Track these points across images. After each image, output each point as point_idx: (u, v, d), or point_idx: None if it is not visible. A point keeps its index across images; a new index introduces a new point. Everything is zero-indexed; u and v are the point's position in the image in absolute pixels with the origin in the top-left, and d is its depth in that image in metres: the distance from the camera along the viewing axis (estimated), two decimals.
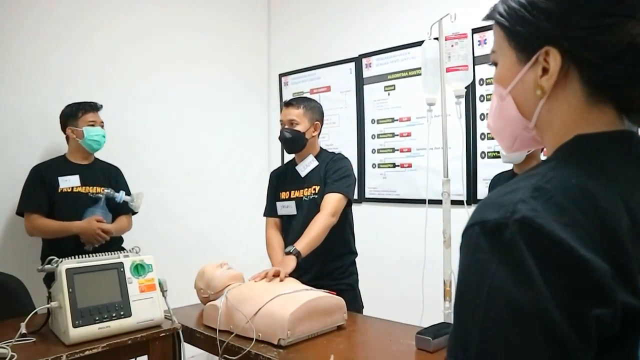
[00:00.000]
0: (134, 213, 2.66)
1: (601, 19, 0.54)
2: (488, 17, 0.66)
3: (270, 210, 2.32)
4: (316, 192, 2.17)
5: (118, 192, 2.52)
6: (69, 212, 2.40)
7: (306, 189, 2.21)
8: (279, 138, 2.24)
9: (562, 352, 0.46)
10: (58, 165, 2.49)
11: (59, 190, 2.43)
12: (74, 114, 2.48)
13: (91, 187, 2.50)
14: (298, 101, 2.23)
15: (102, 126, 2.55)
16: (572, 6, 0.56)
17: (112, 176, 2.63)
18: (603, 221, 0.50)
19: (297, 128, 2.18)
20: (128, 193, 2.64)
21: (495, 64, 0.67)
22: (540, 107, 0.61)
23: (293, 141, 2.19)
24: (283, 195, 2.27)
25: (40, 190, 2.41)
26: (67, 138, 2.52)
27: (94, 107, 2.53)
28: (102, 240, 2.40)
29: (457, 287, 0.54)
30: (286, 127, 2.19)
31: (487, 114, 2.80)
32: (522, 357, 0.47)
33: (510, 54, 0.63)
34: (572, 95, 0.59)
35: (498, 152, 2.70)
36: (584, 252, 0.47)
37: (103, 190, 2.50)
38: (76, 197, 2.45)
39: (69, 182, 2.45)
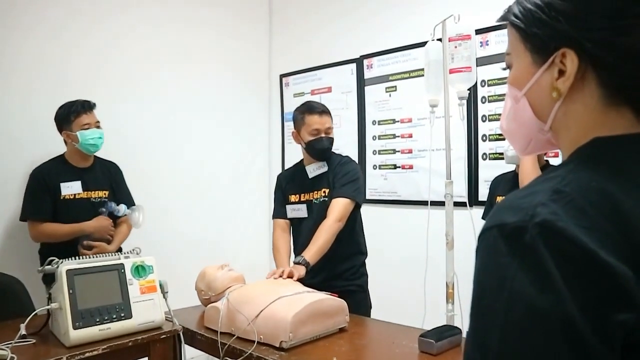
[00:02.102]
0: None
1: (619, 19, 0.54)
2: (502, 19, 0.65)
3: (278, 212, 2.32)
4: (326, 194, 2.19)
5: (119, 204, 2.47)
6: (73, 218, 2.37)
7: (316, 192, 2.22)
8: (318, 147, 2.18)
9: (584, 358, 0.46)
10: (58, 169, 2.44)
11: (62, 197, 2.39)
12: (67, 118, 2.39)
13: (93, 192, 2.47)
14: (327, 109, 2.25)
15: (98, 126, 2.45)
16: (589, 7, 0.55)
17: (112, 176, 2.60)
18: (624, 225, 0.49)
19: (331, 135, 2.22)
20: (127, 192, 2.61)
21: (510, 67, 0.66)
22: (556, 110, 0.61)
23: (330, 149, 2.23)
24: (293, 198, 2.27)
25: (44, 197, 2.37)
26: (65, 141, 2.46)
27: (86, 108, 2.41)
28: (113, 235, 2.44)
29: (473, 290, 0.53)
30: (324, 135, 2.18)
31: (489, 115, 2.79)
32: None
33: (525, 56, 0.62)
34: (589, 97, 0.58)
35: (500, 154, 2.69)
36: (605, 255, 0.46)
37: (104, 196, 2.47)
38: (79, 203, 2.42)
39: (71, 189, 2.41)
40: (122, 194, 2.58)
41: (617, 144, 0.56)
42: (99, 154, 2.60)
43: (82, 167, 2.49)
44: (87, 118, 2.41)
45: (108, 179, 2.57)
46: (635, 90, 0.56)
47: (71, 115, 2.39)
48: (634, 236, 0.48)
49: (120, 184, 2.62)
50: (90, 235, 2.37)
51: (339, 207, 2.09)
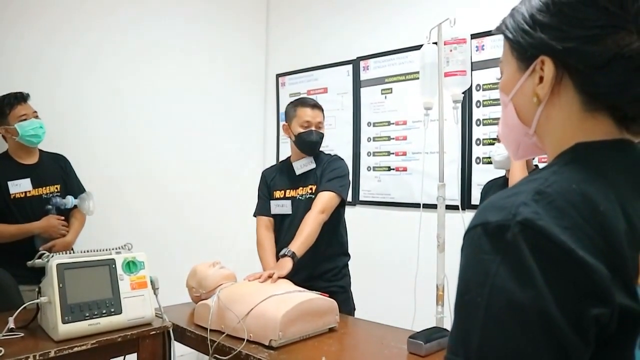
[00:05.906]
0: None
1: (590, 29, 0.57)
2: (498, 30, 0.69)
3: (262, 210, 2.27)
4: (312, 191, 2.16)
5: (65, 197, 2.39)
6: (25, 217, 2.30)
7: (302, 188, 2.19)
8: (308, 140, 2.16)
9: (562, 351, 0.48)
10: (4, 167, 2.34)
11: (12, 197, 2.30)
12: (1, 112, 2.29)
13: (44, 188, 2.39)
14: (319, 105, 2.24)
15: (37, 116, 2.34)
16: (564, 18, 0.58)
17: (62, 168, 2.51)
18: (602, 225, 0.51)
19: (322, 131, 2.20)
20: (77, 182, 2.54)
21: (502, 74, 0.70)
22: (539, 114, 0.64)
23: (319, 144, 2.21)
24: (278, 194, 2.24)
25: None
26: (4, 137, 2.36)
27: (19, 99, 2.31)
28: (65, 232, 2.36)
29: (458, 286, 0.55)
30: (314, 129, 2.17)
31: (483, 119, 2.81)
32: (522, 355, 0.49)
33: (513, 64, 0.66)
34: (567, 103, 0.61)
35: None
36: (583, 254, 0.49)
37: (56, 190, 2.40)
38: (31, 201, 2.34)
39: (20, 187, 2.32)
40: (73, 185, 2.51)
41: (597, 149, 0.59)
42: (92, 153, 2.55)
43: (28, 163, 2.40)
44: (23, 109, 2.31)
45: (59, 172, 2.48)
46: (608, 97, 0.58)
47: (5, 108, 2.29)
48: (610, 236, 0.51)
49: (71, 174, 2.53)
50: (39, 235, 2.31)
51: (323, 199, 2.07)
